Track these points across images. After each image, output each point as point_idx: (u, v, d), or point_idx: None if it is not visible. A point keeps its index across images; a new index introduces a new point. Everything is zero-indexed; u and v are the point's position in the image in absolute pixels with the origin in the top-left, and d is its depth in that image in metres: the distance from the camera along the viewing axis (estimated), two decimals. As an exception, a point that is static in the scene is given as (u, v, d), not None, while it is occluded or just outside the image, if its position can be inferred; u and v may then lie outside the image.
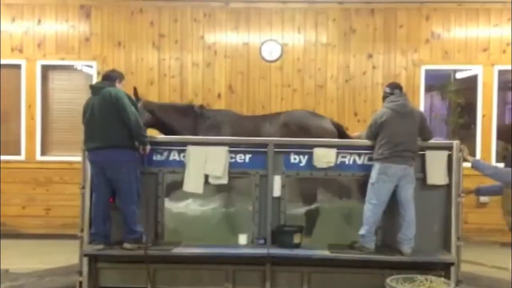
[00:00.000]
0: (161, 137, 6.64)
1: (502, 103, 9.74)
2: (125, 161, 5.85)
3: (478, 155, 8.76)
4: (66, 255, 7.19)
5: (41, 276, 6.62)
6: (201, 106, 7.19)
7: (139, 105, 6.77)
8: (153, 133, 7.16)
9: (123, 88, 6.16)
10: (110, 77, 6.12)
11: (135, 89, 7.01)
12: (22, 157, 9.25)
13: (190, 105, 7.18)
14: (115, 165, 5.83)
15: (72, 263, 6.53)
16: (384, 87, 6.34)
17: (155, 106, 7.16)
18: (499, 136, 9.03)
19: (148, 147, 5.99)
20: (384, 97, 6.13)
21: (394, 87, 6.13)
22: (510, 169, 5.75)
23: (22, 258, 7.55)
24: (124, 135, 5.83)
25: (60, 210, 9.00)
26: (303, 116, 7.10)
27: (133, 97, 6.77)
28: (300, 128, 6.82)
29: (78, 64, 9.55)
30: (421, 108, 8.88)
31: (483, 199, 8.65)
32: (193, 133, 6.84)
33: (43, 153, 9.32)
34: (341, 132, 7.01)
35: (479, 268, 7.08)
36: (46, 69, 9.43)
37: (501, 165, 6.32)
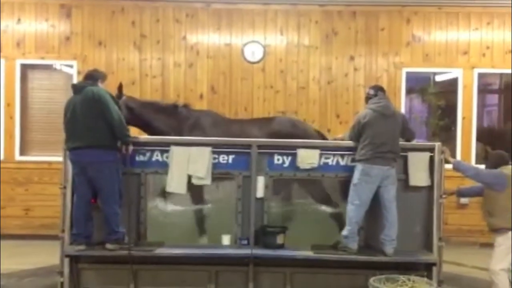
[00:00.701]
0: (143, 137, 6.58)
1: (480, 105, 9.88)
2: (107, 161, 5.79)
3: (458, 157, 8.87)
4: (46, 255, 7.10)
5: (20, 277, 6.54)
6: (186, 105, 7.13)
7: (121, 101, 6.71)
8: (134, 132, 7.12)
9: (105, 87, 6.10)
10: (93, 77, 6.05)
11: (120, 85, 6.94)
12: (0, 157, 9.13)
13: (175, 104, 7.10)
14: (96, 165, 5.76)
15: (52, 264, 6.46)
16: (367, 89, 6.37)
17: (137, 103, 7.00)
18: (479, 138, 9.18)
19: (131, 147, 5.94)
20: (367, 99, 6.17)
21: (377, 89, 6.17)
22: (491, 170, 5.84)
23: (1, 258, 7.43)
24: (106, 134, 5.77)
25: (40, 211, 8.93)
26: (291, 124, 7.12)
27: (114, 96, 6.74)
28: (288, 135, 6.78)
29: (58, 64, 9.46)
30: (402, 110, 8.96)
31: (463, 200, 8.76)
32: (177, 132, 6.77)
33: (22, 153, 9.22)
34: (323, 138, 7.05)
35: (460, 269, 7.15)
36: (25, 68, 9.34)
37: (481, 166, 6.41)
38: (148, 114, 6.88)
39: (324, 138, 7.16)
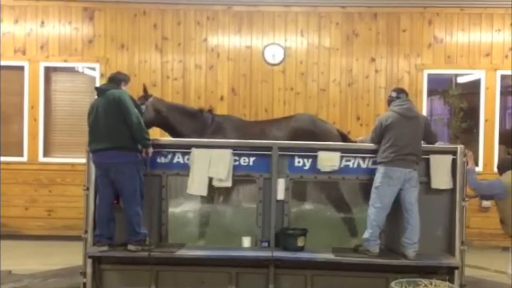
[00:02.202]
0: (165, 139, 6.64)
1: (503, 107, 9.77)
2: (128, 163, 5.85)
3: (481, 160, 8.81)
4: (68, 256, 7.22)
5: (44, 277, 6.62)
6: (210, 111, 7.18)
7: (149, 101, 6.78)
8: (156, 134, 7.19)
9: (128, 90, 6.17)
10: (116, 79, 6.12)
11: (144, 86, 7.02)
12: (24, 158, 9.28)
13: (200, 109, 7.15)
14: (118, 167, 5.82)
15: (74, 265, 6.55)
16: (390, 91, 6.35)
17: (164, 105, 7.08)
18: (501, 141, 9.08)
19: (151, 150, 5.97)
20: (389, 102, 6.15)
21: (400, 92, 6.15)
22: (488, 182, 6.01)
23: (24, 259, 7.56)
24: (127, 137, 5.82)
25: (62, 212, 9.05)
26: (310, 120, 7.12)
27: (140, 97, 6.82)
28: (308, 132, 6.82)
29: (81, 66, 9.57)
30: (424, 112, 8.90)
31: (485, 203, 8.67)
32: (199, 137, 6.80)
33: (45, 154, 9.34)
34: (344, 139, 7.02)
35: (482, 272, 7.10)
36: (49, 70, 9.45)
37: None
38: (174, 117, 6.95)
39: (345, 137, 7.12)
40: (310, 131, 6.84)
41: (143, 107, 6.68)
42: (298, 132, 6.82)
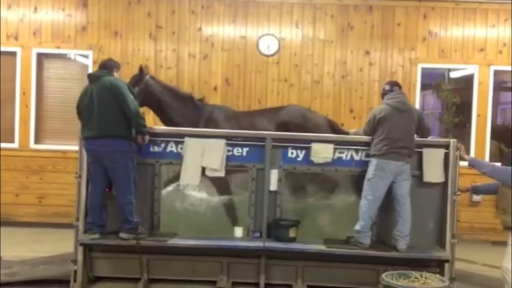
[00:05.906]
0: (159, 128, 6.60)
1: (495, 103, 9.81)
2: (121, 151, 5.82)
3: (472, 154, 8.80)
4: (59, 243, 7.20)
5: (34, 264, 6.56)
6: (201, 100, 7.13)
7: (143, 81, 6.73)
8: (149, 123, 7.12)
9: (119, 77, 6.13)
10: (108, 66, 6.07)
11: (141, 66, 6.90)
12: (15, 144, 9.23)
13: (191, 96, 7.10)
14: (111, 155, 5.79)
15: (65, 252, 6.52)
16: (383, 85, 6.36)
17: (159, 85, 6.95)
18: (493, 136, 9.13)
19: (147, 137, 5.96)
20: (383, 95, 6.16)
21: (393, 85, 6.17)
22: (507, 167, 5.79)
23: (14, 245, 7.50)
24: (121, 125, 5.79)
25: (53, 199, 9.03)
26: (300, 112, 7.10)
27: (135, 77, 6.80)
28: (297, 125, 6.80)
29: (74, 53, 9.50)
30: (417, 106, 8.93)
31: (475, 198, 8.74)
32: (190, 124, 6.74)
33: (36, 141, 9.29)
34: (335, 130, 6.99)
35: (471, 266, 7.14)
36: (41, 57, 9.38)
37: (496, 164, 6.37)
38: (166, 100, 6.86)
39: (337, 129, 7.09)
40: (300, 125, 6.82)
41: (136, 88, 6.62)
42: (289, 125, 6.80)
